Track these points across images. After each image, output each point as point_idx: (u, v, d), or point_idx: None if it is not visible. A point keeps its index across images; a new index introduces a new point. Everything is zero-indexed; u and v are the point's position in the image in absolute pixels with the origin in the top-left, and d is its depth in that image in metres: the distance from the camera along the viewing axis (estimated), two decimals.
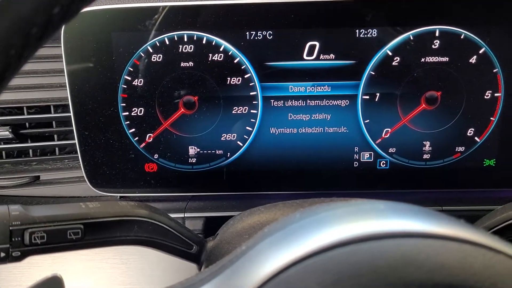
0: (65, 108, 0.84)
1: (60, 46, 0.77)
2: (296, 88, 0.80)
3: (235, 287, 0.31)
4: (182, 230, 0.56)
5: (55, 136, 0.86)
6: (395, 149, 0.83)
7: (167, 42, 0.78)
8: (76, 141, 0.81)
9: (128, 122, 0.81)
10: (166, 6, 0.76)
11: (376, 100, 0.80)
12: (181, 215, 0.80)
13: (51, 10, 0.27)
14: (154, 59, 0.78)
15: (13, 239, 0.45)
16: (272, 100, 0.81)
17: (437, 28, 0.77)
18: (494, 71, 0.78)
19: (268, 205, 0.58)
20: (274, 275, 0.29)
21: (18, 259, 0.45)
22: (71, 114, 0.79)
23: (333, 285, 0.27)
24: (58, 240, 0.47)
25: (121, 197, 0.86)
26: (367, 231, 0.29)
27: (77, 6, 0.29)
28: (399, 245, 0.29)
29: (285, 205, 0.57)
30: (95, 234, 0.49)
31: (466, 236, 0.29)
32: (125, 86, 0.79)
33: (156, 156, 0.83)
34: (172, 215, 0.79)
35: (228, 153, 0.83)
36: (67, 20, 0.29)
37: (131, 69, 0.78)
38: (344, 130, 0.82)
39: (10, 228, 0.45)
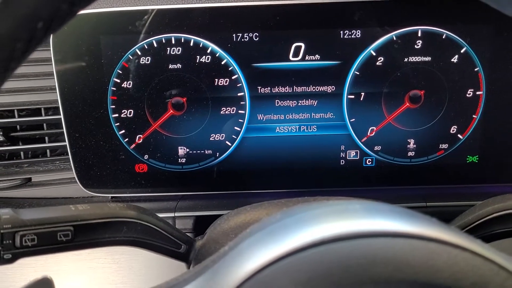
0: (55, 110, 0.85)
1: (50, 50, 0.77)
2: (282, 88, 0.82)
3: (215, 287, 0.33)
4: (170, 230, 0.57)
5: (46, 138, 0.88)
6: (380, 147, 0.85)
7: (155, 45, 0.79)
8: (66, 143, 0.82)
9: (118, 123, 0.82)
10: (153, 9, 0.77)
11: (361, 99, 0.82)
12: (172, 214, 0.82)
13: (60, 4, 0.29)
14: (142, 61, 0.79)
15: (4, 242, 0.46)
16: (259, 101, 0.82)
17: (419, 29, 0.78)
18: (475, 69, 0.80)
19: (254, 205, 0.60)
20: (251, 276, 0.31)
21: (9, 261, 0.46)
22: (61, 116, 0.80)
23: (306, 283, 0.29)
24: (48, 242, 0.48)
25: (112, 197, 0.88)
26: (338, 232, 0.31)
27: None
28: (368, 245, 0.30)
29: (270, 205, 0.58)
30: (85, 235, 0.51)
31: (432, 234, 0.31)
32: (115, 89, 0.80)
33: (146, 156, 0.84)
34: (163, 215, 0.82)
35: (217, 153, 0.85)
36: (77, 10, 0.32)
37: (120, 72, 0.80)
38: (331, 129, 0.84)
39: (1, 231, 0.46)
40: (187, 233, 0.82)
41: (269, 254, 0.32)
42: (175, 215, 0.82)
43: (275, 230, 0.35)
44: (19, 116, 0.85)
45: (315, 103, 0.83)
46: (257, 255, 0.33)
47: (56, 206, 0.84)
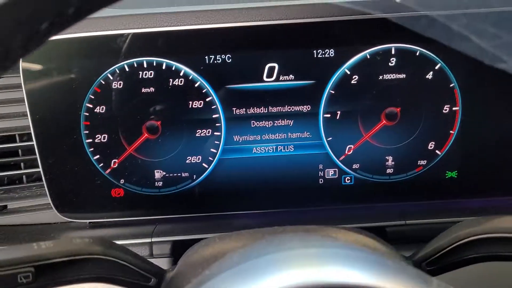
0: (30, 136, 0.84)
1: (20, 76, 0.76)
2: (258, 109, 0.81)
3: None
4: (138, 263, 0.56)
5: (22, 165, 0.87)
6: (359, 165, 0.84)
7: (127, 69, 0.78)
8: (40, 169, 0.81)
9: (92, 149, 0.81)
10: (125, 33, 0.76)
11: (337, 118, 0.81)
12: (149, 240, 0.81)
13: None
14: (115, 86, 0.79)
15: None
16: (235, 122, 0.81)
17: (392, 46, 0.78)
18: (451, 85, 0.80)
19: (222, 235, 0.59)
20: None
21: None
22: (34, 143, 0.79)
23: None
24: (8, 285, 0.47)
25: (90, 222, 0.86)
26: (286, 284, 0.30)
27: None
28: None
29: (238, 236, 0.57)
30: (47, 275, 0.50)
31: (378, 284, 0.30)
32: (87, 114, 0.79)
33: (122, 181, 0.83)
34: (140, 240, 0.81)
35: (194, 176, 0.84)
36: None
37: (92, 97, 0.79)
38: (308, 148, 0.83)
39: None
40: (165, 258, 0.81)
41: None
42: (152, 240, 0.81)
43: (227, 278, 0.35)
44: None
45: (291, 123, 0.82)
46: None
47: (30, 233, 0.83)
